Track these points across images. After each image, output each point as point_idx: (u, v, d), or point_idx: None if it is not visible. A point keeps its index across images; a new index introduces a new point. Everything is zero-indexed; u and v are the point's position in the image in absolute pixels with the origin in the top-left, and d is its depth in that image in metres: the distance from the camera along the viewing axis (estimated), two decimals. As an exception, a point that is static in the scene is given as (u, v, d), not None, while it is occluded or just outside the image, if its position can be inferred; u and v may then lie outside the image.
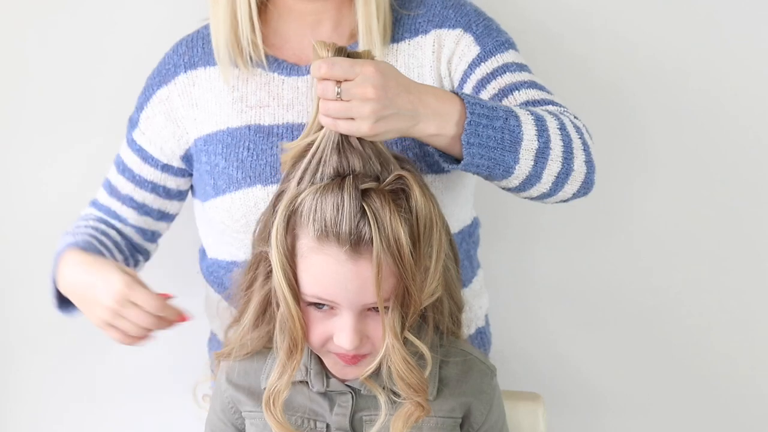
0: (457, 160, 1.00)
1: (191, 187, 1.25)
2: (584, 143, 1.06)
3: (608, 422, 1.59)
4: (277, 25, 1.18)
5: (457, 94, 0.98)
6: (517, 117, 0.99)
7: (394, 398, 0.96)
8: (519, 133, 0.99)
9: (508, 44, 1.17)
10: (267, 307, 0.98)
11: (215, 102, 1.18)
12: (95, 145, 1.48)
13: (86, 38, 1.47)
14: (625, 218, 1.54)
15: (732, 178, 1.52)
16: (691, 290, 1.55)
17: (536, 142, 1.00)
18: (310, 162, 0.92)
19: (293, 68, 1.17)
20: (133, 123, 1.23)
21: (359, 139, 0.92)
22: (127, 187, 1.23)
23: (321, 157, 0.92)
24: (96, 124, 1.48)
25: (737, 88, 1.49)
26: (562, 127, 1.03)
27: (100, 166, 1.50)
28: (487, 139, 0.96)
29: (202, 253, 1.29)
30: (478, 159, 0.97)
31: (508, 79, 1.13)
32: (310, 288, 0.91)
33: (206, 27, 1.21)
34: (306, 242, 0.90)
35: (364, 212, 0.88)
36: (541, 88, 1.13)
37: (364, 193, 0.89)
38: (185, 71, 1.19)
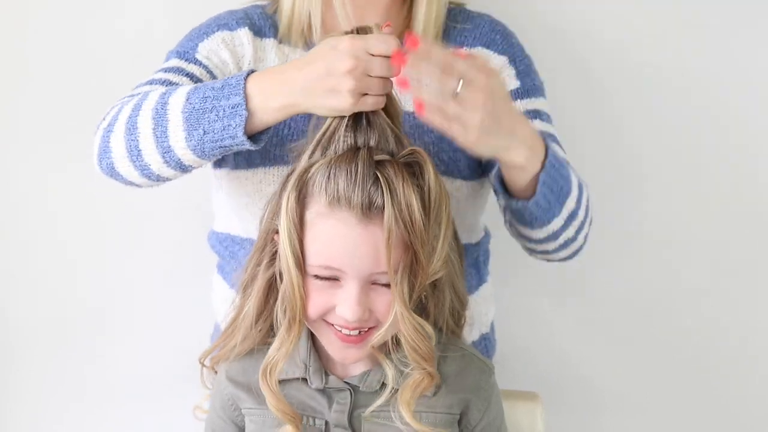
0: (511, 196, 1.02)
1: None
2: (591, 220, 1.10)
3: (606, 421, 1.59)
4: (325, 16, 1.17)
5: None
6: (570, 170, 1.02)
7: (402, 368, 0.96)
8: (570, 187, 1.01)
9: (542, 90, 1.21)
10: (270, 292, 0.98)
11: None
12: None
13: (87, 37, 1.47)
14: (625, 219, 1.54)
15: (732, 178, 1.52)
16: (690, 290, 1.55)
17: (575, 203, 1.03)
18: (321, 138, 0.94)
19: None
20: (187, 48, 1.16)
21: (377, 115, 0.93)
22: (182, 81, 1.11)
23: (333, 133, 0.93)
24: (93, 124, 1.49)
25: (737, 90, 1.49)
26: (588, 199, 1.06)
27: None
28: (554, 182, 0.98)
29: (212, 231, 1.28)
30: (542, 199, 0.98)
31: (538, 125, 1.15)
32: (316, 257, 0.91)
33: (255, 6, 1.22)
34: (316, 209, 0.91)
35: (376, 179, 0.89)
36: (560, 145, 1.16)
37: (378, 164, 0.90)
38: (247, 29, 1.18)
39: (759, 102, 1.50)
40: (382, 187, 0.88)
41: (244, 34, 1.17)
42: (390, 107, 0.97)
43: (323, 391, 1.01)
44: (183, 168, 1.04)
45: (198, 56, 1.15)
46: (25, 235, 1.54)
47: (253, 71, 0.99)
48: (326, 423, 1.01)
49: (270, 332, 1.01)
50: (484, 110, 0.88)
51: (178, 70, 1.12)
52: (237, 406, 1.04)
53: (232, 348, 1.02)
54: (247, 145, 0.98)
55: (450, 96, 0.88)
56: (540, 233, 1.04)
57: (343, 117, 0.93)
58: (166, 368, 1.54)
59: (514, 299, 1.51)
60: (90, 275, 1.55)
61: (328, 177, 0.90)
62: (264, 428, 1.02)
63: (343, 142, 0.93)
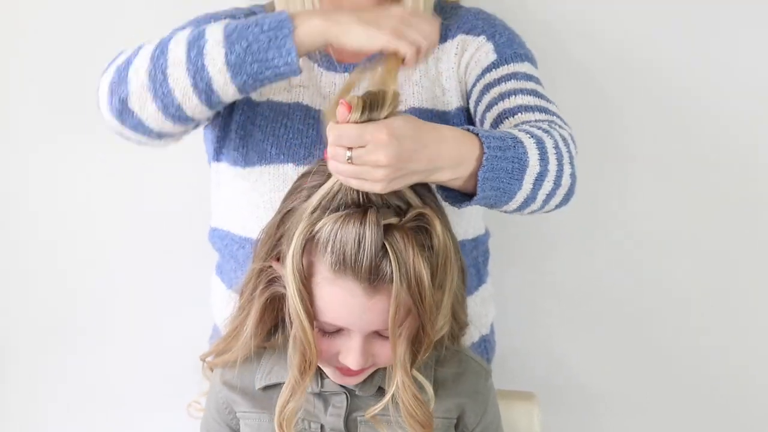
0: (462, 196, 0.99)
1: (215, 150, 1.20)
2: (571, 156, 1.07)
3: (603, 421, 1.59)
4: None
5: (470, 131, 0.97)
6: (522, 143, 0.99)
7: (400, 428, 0.96)
8: (525, 161, 0.98)
9: (525, 57, 1.18)
10: (266, 311, 0.98)
11: None
12: (93, 143, 1.48)
13: (87, 35, 1.47)
14: (622, 221, 1.53)
15: (729, 179, 1.51)
16: (686, 291, 1.55)
17: (538, 166, 1.00)
18: (328, 192, 0.90)
19: (332, 64, 1.17)
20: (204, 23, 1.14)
21: None
22: None
23: (340, 185, 0.90)
24: (94, 123, 1.48)
25: (732, 89, 1.48)
26: (556, 145, 1.04)
27: (99, 165, 1.51)
28: (500, 171, 0.96)
29: (214, 228, 1.27)
30: (489, 191, 0.96)
31: (510, 85, 1.13)
32: (321, 315, 0.90)
33: (257, 7, 1.22)
34: (321, 271, 0.88)
35: (386, 251, 0.86)
36: (540, 96, 1.14)
37: (386, 230, 0.87)
38: None
39: (758, 101, 1.49)
40: (391, 262, 0.86)
41: None
42: None
43: (319, 395, 1.00)
44: (209, 94, 1.00)
45: None
46: (23, 236, 1.54)
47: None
48: (322, 426, 1.00)
49: (266, 338, 1.01)
50: (387, 168, 0.87)
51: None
52: (231, 409, 1.04)
53: (231, 362, 1.02)
54: (293, 57, 0.97)
55: (342, 162, 0.88)
56: (512, 206, 1.02)
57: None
58: (164, 368, 1.54)
59: (510, 300, 1.51)
60: (89, 276, 1.55)
61: (334, 242, 0.87)
62: (259, 431, 1.02)
63: (349, 194, 0.89)
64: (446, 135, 0.94)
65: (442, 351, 1.02)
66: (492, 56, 1.16)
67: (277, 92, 1.16)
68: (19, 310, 1.56)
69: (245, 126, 1.16)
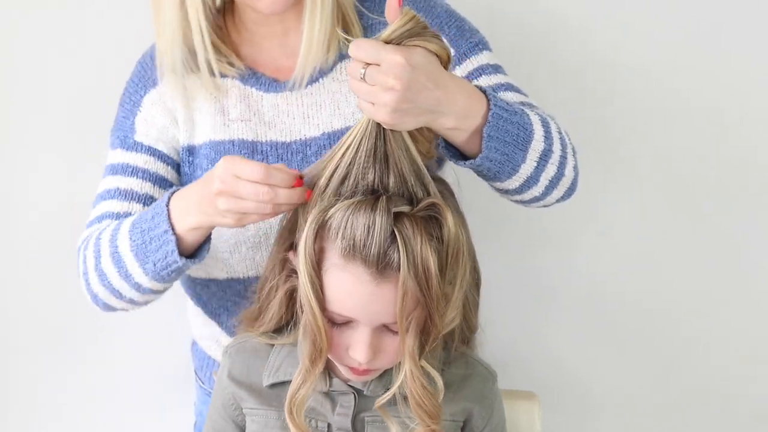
0: (465, 157, 0.99)
1: None
2: (573, 149, 1.07)
3: (603, 421, 1.60)
4: (251, 35, 1.15)
5: (479, 88, 0.96)
6: (528, 115, 0.99)
7: (407, 422, 0.96)
8: (531, 131, 0.98)
9: (481, 45, 1.16)
10: (288, 303, 0.99)
11: (199, 110, 1.15)
12: (90, 144, 1.47)
13: (80, 37, 1.46)
14: (618, 221, 1.54)
15: (724, 183, 1.52)
16: (684, 292, 1.56)
17: (543, 143, 1.00)
18: (334, 172, 0.91)
19: (271, 84, 1.14)
20: (126, 130, 1.17)
21: (400, 154, 0.90)
22: (145, 187, 1.15)
23: (347, 170, 0.90)
24: (89, 124, 1.47)
25: (725, 89, 1.49)
26: (559, 131, 1.04)
27: (96, 166, 1.50)
28: (505, 133, 0.96)
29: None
30: (494, 153, 0.96)
31: (484, 81, 1.12)
32: (330, 304, 0.90)
33: None
34: (331, 257, 0.89)
35: (394, 237, 0.87)
36: (517, 90, 1.13)
37: (396, 217, 0.87)
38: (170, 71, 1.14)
39: (753, 100, 1.50)
40: (399, 248, 0.86)
41: (168, 80, 1.13)
42: (418, 133, 0.94)
43: (327, 394, 1.01)
44: (159, 291, 1.10)
45: (137, 137, 1.15)
46: (18, 237, 1.53)
47: (175, 191, 1.03)
48: (329, 425, 1.00)
49: (279, 330, 1.01)
50: (395, 93, 0.86)
51: (125, 169, 1.15)
52: (238, 405, 1.04)
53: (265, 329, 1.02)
54: (190, 264, 1.03)
55: (357, 79, 0.88)
56: (513, 183, 1.01)
57: (357, 150, 0.90)
58: (164, 368, 1.53)
59: (509, 300, 1.51)
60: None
61: (345, 227, 0.87)
62: (266, 429, 1.02)
63: (363, 180, 0.90)
64: (460, 84, 0.94)
65: (451, 353, 1.02)
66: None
67: (216, 131, 1.14)
68: (20, 310, 1.55)
69: (195, 173, 1.15)
